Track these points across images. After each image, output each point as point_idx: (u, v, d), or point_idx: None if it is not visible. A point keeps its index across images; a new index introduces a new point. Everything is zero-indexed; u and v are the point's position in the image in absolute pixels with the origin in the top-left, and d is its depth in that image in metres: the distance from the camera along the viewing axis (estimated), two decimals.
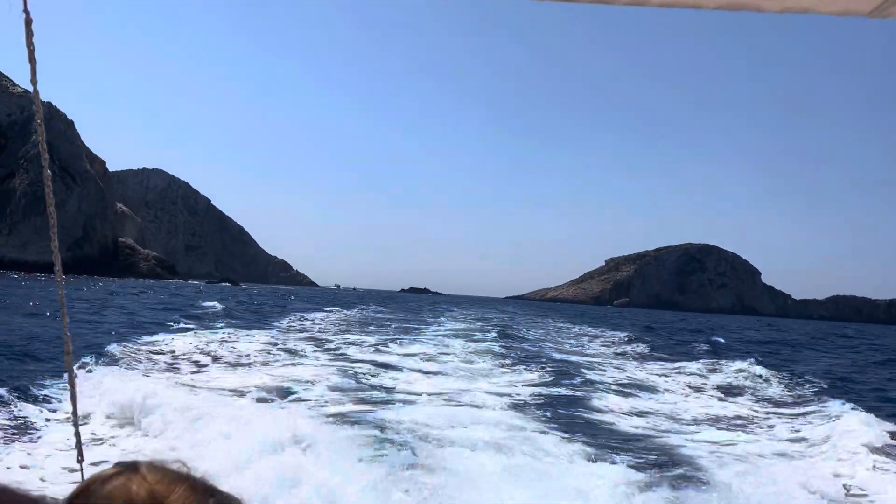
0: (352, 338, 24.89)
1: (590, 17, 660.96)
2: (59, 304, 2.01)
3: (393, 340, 24.36)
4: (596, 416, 11.94)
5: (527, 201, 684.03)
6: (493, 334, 29.28)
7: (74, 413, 1.92)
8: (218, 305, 38.03)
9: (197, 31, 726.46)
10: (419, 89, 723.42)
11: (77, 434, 1.92)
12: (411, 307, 71.79)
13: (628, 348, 28.47)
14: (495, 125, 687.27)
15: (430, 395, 12.73)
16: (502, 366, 18.35)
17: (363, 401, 11.62)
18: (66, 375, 1.92)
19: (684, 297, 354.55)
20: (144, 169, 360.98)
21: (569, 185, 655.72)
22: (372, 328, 31.93)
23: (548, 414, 11.28)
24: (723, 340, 37.17)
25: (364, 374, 14.90)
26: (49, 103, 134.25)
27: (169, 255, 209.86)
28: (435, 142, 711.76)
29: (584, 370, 18.53)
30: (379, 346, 21.61)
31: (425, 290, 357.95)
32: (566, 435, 9.62)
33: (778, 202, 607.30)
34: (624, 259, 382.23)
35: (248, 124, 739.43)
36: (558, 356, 23.02)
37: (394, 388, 13.32)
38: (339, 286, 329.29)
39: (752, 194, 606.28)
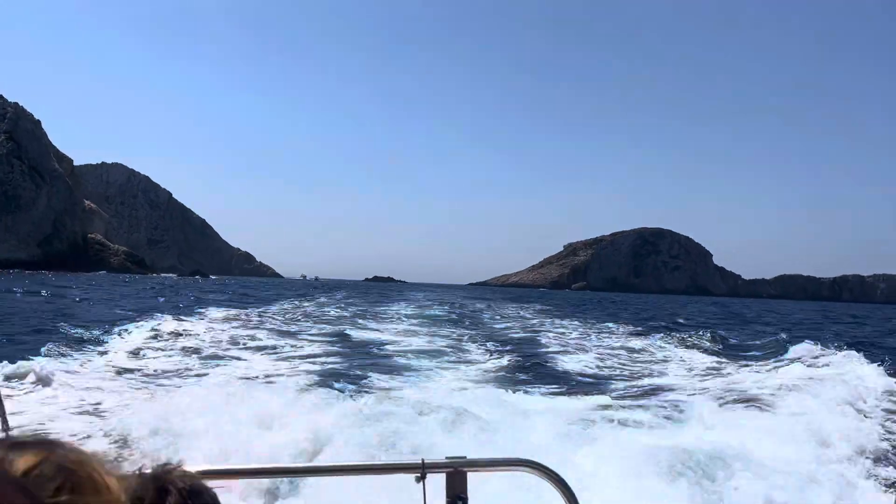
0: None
1: (552, 9, 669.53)
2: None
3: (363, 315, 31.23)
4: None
5: (489, 190, 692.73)
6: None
7: None
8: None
9: (151, 24, 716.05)
10: (379, 77, 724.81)
11: (0, 405, 1.95)
12: (370, 296, 78.07)
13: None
14: (460, 117, 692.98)
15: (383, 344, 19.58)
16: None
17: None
18: None
19: (640, 279, 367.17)
20: (103, 163, 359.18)
21: (530, 173, 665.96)
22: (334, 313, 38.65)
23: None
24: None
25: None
26: (16, 104, 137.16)
27: (132, 249, 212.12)
28: (397, 131, 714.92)
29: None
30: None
31: (389, 279, 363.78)
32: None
33: (728, 186, 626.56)
34: (582, 244, 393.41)
35: (207, 117, 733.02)
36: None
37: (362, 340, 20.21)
38: (305, 276, 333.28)
39: (704, 179, 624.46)
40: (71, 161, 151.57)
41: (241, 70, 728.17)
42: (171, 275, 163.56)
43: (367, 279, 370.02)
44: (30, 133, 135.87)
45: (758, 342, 23.70)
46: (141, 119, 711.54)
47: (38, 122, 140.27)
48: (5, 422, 1.96)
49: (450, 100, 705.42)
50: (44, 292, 39.79)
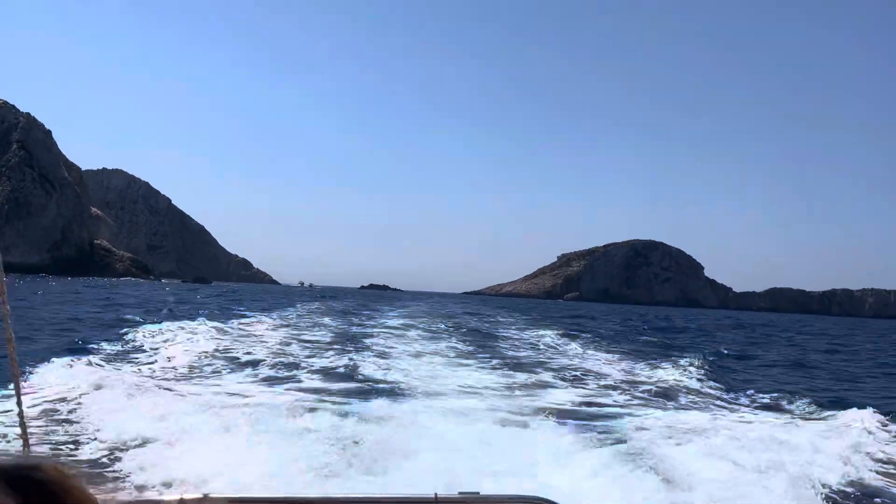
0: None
1: (543, 15, 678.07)
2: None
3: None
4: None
5: (484, 199, 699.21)
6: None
7: (19, 402, 1.88)
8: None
9: (151, 31, 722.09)
10: (373, 84, 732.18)
11: (22, 423, 1.91)
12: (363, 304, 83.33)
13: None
14: (460, 125, 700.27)
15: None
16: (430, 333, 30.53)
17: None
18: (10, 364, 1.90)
19: (631, 290, 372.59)
20: (104, 169, 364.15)
21: (526, 182, 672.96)
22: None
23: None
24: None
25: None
26: (28, 114, 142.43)
27: (132, 255, 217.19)
28: (394, 139, 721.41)
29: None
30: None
31: (385, 287, 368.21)
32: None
33: (720, 198, 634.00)
34: (575, 255, 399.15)
35: (208, 123, 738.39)
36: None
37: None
38: (302, 283, 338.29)
39: (696, 191, 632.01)
40: (79, 169, 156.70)
41: (242, 73, 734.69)
42: (174, 280, 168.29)
43: (362, 287, 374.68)
44: (41, 143, 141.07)
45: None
46: (141, 123, 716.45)
47: (49, 132, 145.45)
48: (26, 440, 1.95)
49: (450, 109, 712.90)
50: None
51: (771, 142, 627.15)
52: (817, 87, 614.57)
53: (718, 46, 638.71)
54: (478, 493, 2.27)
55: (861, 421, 10.79)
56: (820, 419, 11.82)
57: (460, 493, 2.24)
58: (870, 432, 10.14)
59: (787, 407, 13.43)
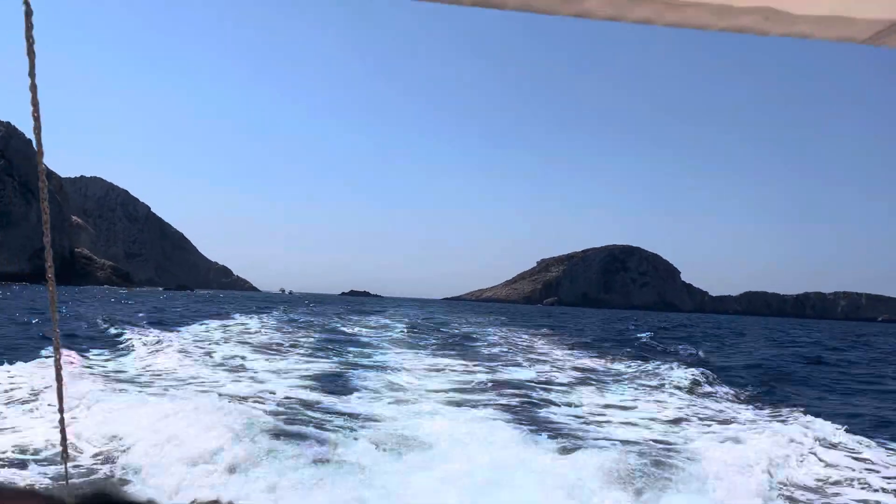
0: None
1: (522, 25, 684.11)
2: (47, 306, 2.34)
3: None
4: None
5: (466, 207, 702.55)
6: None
7: (61, 411, 1.83)
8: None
9: (131, 36, 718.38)
10: (354, 84, 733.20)
11: (63, 432, 1.87)
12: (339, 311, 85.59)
13: None
14: (440, 131, 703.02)
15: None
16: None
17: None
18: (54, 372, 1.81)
19: (609, 295, 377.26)
20: (82, 177, 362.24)
21: (506, 189, 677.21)
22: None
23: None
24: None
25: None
26: (8, 123, 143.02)
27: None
28: (377, 145, 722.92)
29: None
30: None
31: (365, 293, 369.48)
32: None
33: (698, 205, 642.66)
34: (554, 260, 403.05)
35: (187, 132, 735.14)
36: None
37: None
38: (283, 290, 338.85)
39: (673, 197, 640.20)
40: (59, 178, 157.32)
41: (219, 79, 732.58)
42: (157, 288, 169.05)
43: (343, 293, 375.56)
44: (21, 152, 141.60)
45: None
46: (119, 131, 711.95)
47: (29, 140, 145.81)
48: (65, 450, 1.93)
49: (429, 115, 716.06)
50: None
51: (747, 148, 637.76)
52: (786, 92, 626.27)
53: (694, 54, 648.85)
54: None
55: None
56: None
57: None
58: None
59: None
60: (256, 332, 26.96)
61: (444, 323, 46.44)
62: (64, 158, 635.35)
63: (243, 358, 17.68)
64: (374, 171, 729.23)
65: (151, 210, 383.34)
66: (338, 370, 16.13)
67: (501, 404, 12.18)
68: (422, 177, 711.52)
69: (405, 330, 34.11)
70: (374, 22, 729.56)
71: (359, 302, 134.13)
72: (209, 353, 18.37)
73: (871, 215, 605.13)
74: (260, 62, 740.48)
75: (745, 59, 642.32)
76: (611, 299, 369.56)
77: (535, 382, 15.60)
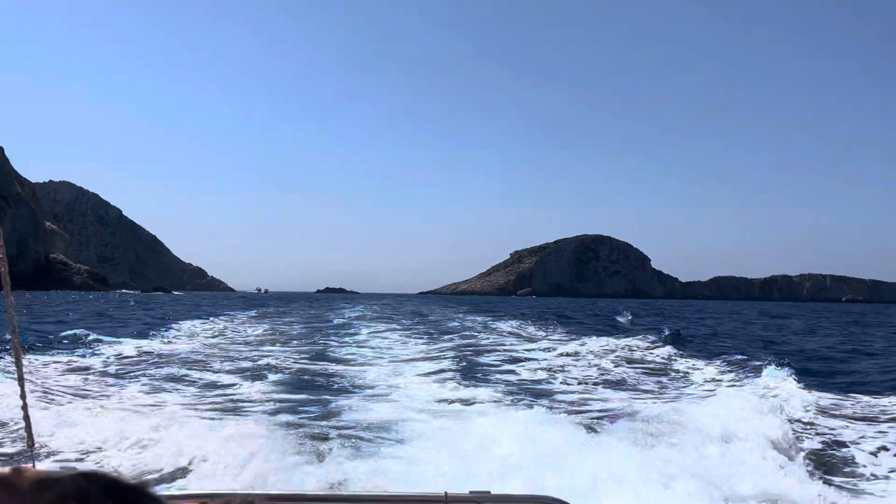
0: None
1: (498, 18, 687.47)
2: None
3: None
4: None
5: (439, 200, 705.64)
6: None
7: (23, 396, 1.86)
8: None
9: (94, 40, 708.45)
10: (321, 84, 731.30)
11: (27, 419, 1.90)
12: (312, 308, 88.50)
13: None
14: (406, 126, 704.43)
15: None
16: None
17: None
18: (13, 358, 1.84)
19: (582, 284, 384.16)
20: (51, 182, 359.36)
21: (479, 182, 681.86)
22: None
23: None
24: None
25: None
26: None
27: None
28: (347, 141, 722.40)
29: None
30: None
31: (341, 290, 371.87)
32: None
33: (665, 192, 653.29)
34: (527, 251, 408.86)
35: (155, 134, 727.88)
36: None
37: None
38: (259, 289, 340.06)
39: (643, 186, 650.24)
40: (32, 185, 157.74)
41: (191, 76, 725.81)
42: (133, 291, 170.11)
43: (318, 290, 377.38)
44: None
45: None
46: (87, 133, 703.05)
47: (2, 148, 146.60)
48: (31, 437, 1.94)
49: (401, 112, 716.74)
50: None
51: (707, 137, 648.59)
52: (745, 78, 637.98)
53: (655, 48, 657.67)
54: (488, 492, 2.26)
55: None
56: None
57: (471, 492, 2.24)
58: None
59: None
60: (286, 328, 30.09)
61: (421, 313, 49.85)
62: (31, 163, 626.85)
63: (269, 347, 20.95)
64: (346, 170, 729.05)
65: (123, 213, 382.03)
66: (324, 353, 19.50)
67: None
68: (394, 175, 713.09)
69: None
70: (357, 16, 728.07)
71: (337, 297, 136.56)
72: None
73: (837, 199, 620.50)
74: (224, 64, 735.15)
75: (703, 43, 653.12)
76: (583, 288, 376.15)
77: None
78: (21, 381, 1.86)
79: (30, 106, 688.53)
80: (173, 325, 27.94)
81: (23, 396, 1.87)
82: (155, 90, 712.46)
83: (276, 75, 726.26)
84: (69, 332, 20.67)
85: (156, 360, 16.07)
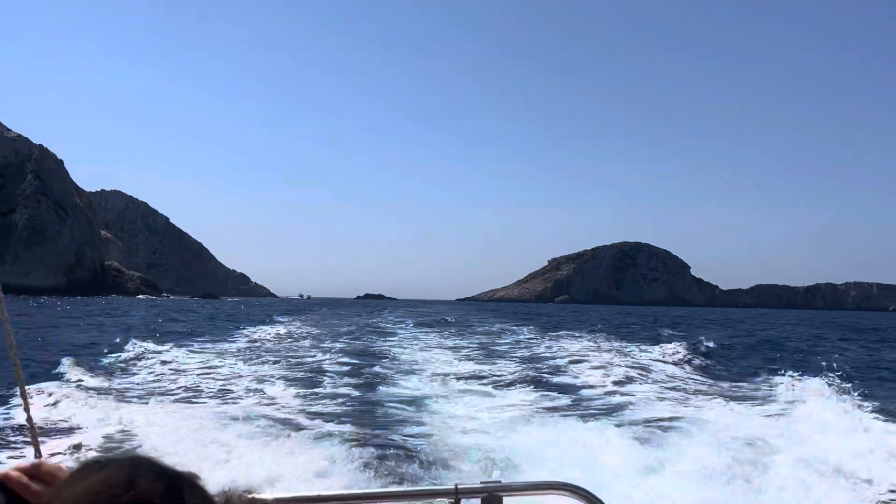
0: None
1: (522, 21, 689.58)
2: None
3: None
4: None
5: (478, 207, 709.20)
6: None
7: (27, 408, 1.78)
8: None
9: (145, 49, 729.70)
10: (363, 97, 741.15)
11: (31, 428, 1.83)
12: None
13: None
14: (454, 132, 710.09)
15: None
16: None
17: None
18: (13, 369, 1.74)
19: (620, 291, 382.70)
20: (102, 191, 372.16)
21: (516, 190, 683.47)
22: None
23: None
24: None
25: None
26: (41, 145, 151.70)
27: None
28: (388, 150, 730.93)
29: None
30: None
31: (380, 296, 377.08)
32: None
33: (706, 200, 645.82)
34: (565, 258, 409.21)
35: (204, 140, 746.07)
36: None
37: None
38: (301, 295, 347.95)
39: (682, 193, 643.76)
40: (89, 196, 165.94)
41: (238, 83, 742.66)
42: (185, 297, 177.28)
43: (358, 297, 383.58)
44: (54, 172, 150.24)
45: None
46: (138, 140, 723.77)
47: (61, 161, 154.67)
48: (36, 443, 1.86)
49: (446, 116, 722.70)
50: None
51: (754, 144, 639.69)
52: (795, 88, 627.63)
53: (701, 52, 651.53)
54: (499, 481, 2.25)
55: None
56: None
57: (482, 482, 2.22)
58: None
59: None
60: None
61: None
62: (85, 172, 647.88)
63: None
64: (387, 179, 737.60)
65: (170, 221, 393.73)
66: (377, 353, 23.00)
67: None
68: (433, 182, 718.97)
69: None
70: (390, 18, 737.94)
71: (378, 304, 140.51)
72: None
73: (884, 205, 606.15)
74: (273, 67, 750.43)
75: (746, 54, 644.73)
76: (622, 295, 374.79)
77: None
78: (24, 398, 1.82)
79: (78, 113, 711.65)
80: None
81: (27, 408, 1.82)
82: (204, 96, 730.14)
83: (305, 85, 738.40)
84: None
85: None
